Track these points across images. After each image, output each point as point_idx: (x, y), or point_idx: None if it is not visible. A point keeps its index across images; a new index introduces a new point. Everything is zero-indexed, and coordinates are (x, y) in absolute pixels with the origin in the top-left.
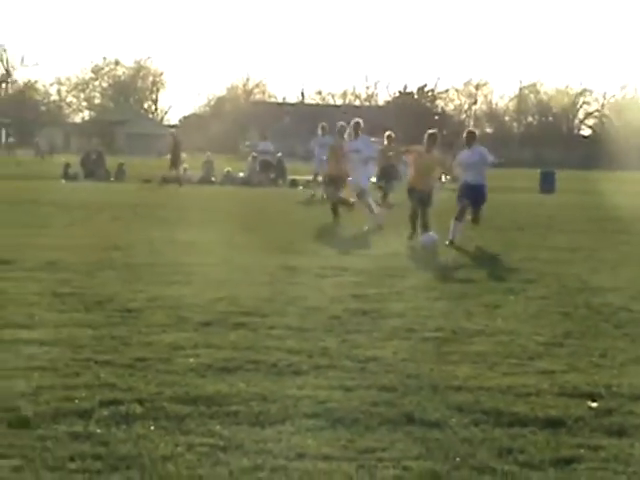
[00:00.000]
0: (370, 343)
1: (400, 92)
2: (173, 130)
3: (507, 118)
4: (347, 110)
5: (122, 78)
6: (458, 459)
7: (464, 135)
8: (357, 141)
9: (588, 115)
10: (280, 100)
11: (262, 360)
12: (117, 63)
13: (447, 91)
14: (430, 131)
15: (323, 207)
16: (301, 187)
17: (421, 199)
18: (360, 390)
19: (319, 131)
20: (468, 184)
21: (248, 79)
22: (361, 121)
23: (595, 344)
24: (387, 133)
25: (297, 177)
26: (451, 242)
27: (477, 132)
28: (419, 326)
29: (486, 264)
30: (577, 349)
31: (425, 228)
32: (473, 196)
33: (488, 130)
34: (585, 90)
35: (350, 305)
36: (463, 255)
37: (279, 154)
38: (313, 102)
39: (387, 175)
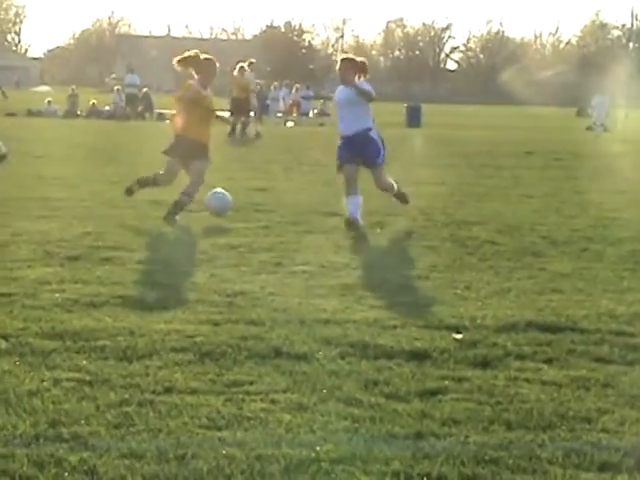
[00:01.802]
0: (238, 277)
1: (267, 26)
2: None
3: (374, 52)
4: (214, 43)
5: None
6: (325, 391)
7: (337, 66)
8: None
9: (454, 49)
10: (146, 34)
11: (129, 295)
12: None
13: (314, 25)
14: (202, 56)
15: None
16: (168, 120)
17: (189, 152)
18: (228, 324)
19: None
20: (346, 137)
21: (113, 12)
22: None
23: (460, 277)
24: (240, 64)
25: (164, 111)
26: (352, 224)
27: (358, 59)
28: (287, 260)
29: None
30: (442, 282)
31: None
32: (358, 151)
33: None
34: (451, 24)
35: (218, 240)
36: (330, 190)
37: (145, 88)
38: (180, 36)
39: (238, 107)
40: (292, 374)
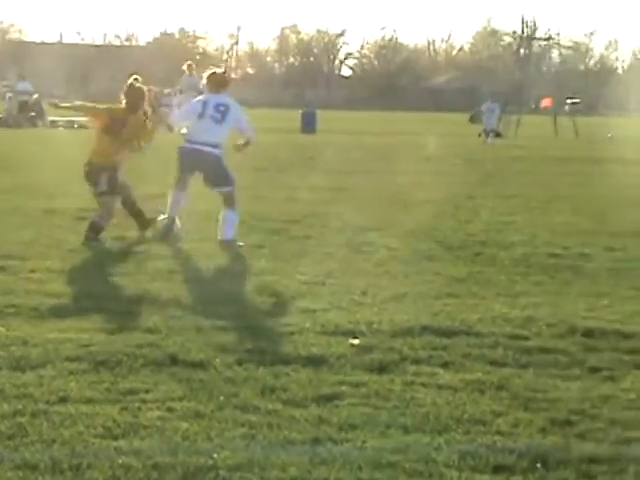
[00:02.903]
0: (134, 285)
1: (161, 33)
2: None
3: (269, 59)
4: (107, 50)
5: None
6: (222, 398)
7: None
8: None
9: (348, 56)
10: (38, 40)
11: (23, 304)
12: None
13: (207, 32)
14: (133, 80)
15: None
16: (61, 128)
17: (101, 180)
18: (123, 332)
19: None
20: (194, 150)
21: (3, 19)
22: None
23: (356, 282)
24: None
25: (57, 118)
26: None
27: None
28: (182, 268)
29: (248, 204)
30: (339, 288)
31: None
32: (204, 168)
33: (250, 71)
34: (345, 31)
35: (112, 248)
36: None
37: (35, 95)
38: (73, 42)
39: None
40: (188, 381)
